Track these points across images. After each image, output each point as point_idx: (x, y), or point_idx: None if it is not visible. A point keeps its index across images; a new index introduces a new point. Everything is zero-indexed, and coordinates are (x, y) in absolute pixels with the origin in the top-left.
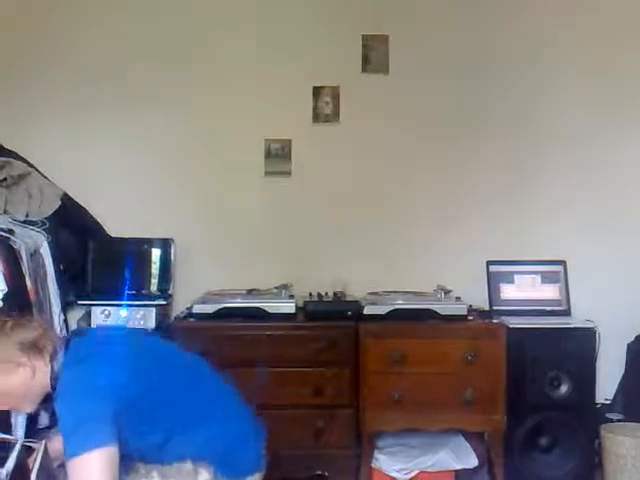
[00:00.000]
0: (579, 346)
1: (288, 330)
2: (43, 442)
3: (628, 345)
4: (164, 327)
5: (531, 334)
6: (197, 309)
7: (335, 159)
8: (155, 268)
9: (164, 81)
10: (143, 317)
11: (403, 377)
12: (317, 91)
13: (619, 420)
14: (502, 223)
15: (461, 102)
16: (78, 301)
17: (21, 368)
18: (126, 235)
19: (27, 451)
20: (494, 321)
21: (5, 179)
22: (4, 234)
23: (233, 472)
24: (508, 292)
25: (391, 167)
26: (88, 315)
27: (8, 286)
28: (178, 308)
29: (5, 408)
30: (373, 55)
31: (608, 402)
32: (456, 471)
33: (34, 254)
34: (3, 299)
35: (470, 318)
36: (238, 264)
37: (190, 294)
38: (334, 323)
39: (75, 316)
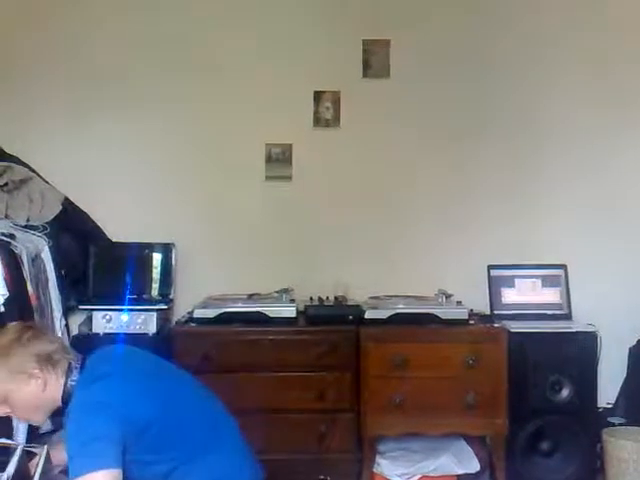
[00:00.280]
0: (580, 350)
1: (289, 334)
2: (45, 447)
3: (630, 349)
4: (165, 332)
5: (532, 338)
6: (198, 314)
7: (336, 164)
8: (156, 273)
9: (165, 86)
10: (144, 322)
11: (404, 381)
12: (318, 96)
13: (621, 424)
14: (503, 227)
15: (462, 106)
16: (79, 306)
17: (33, 380)
18: (127, 240)
19: (29, 456)
20: (495, 325)
21: (6, 184)
22: (5, 239)
23: None
24: (509, 296)
25: (392, 171)
26: (89, 320)
27: (9, 291)
28: (179, 313)
29: (15, 417)
30: (374, 60)
31: (610, 406)
32: (458, 476)
33: (35, 259)
34: (4, 304)
35: (471, 322)
36: (239, 268)
37: (191, 299)
38: (335, 327)
39: (76, 321)
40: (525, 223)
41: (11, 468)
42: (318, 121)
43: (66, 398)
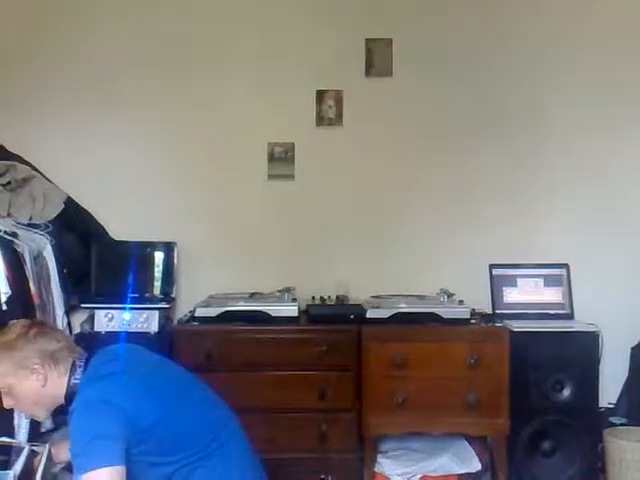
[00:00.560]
0: (582, 350)
1: (291, 333)
2: (47, 446)
3: (632, 349)
4: (167, 331)
5: (534, 338)
6: (200, 312)
7: (338, 162)
8: (158, 271)
9: (167, 85)
10: (146, 320)
11: (406, 381)
12: (320, 95)
13: (622, 424)
14: (505, 226)
15: (464, 106)
16: (81, 304)
17: (34, 375)
18: (129, 238)
19: (31, 454)
20: (497, 325)
21: (9, 182)
22: (8, 237)
23: None
24: (511, 295)
25: (394, 170)
26: (91, 318)
27: (12, 289)
28: (181, 311)
29: (18, 410)
30: (376, 59)
31: (611, 406)
32: (459, 475)
33: (37, 257)
34: (7, 302)
35: (473, 322)
36: (241, 267)
37: (193, 297)
38: (337, 327)
39: (78, 319)
40: (527, 222)
41: (18, 467)
42: (321, 120)
43: (69, 396)
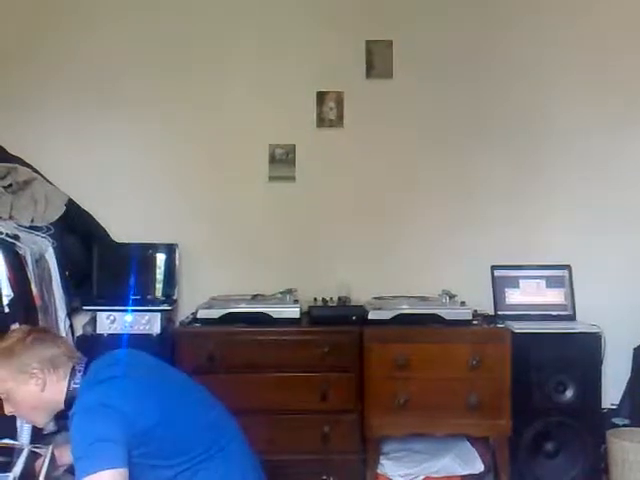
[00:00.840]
0: (584, 351)
1: (293, 335)
2: (50, 448)
3: (634, 349)
4: (169, 332)
5: (536, 339)
6: (202, 314)
7: (339, 164)
8: (160, 273)
9: (168, 86)
10: (148, 322)
11: (408, 382)
12: (321, 96)
13: (625, 425)
14: (507, 227)
15: (464, 107)
16: (83, 306)
17: (33, 380)
18: (131, 240)
19: (34, 456)
20: (499, 326)
21: (10, 185)
22: (9, 240)
23: None
24: (513, 297)
25: (395, 171)
26: (93, 320)
27: (14, 291)
28: (183, 313)
29: (18, 416)
30: (377, 60)
31: (614, 407)
32: (462, 476)
33: (39, 260)
34: (9, 305)
35: (475, 323)
36: (243, 269)
37: (195, 299)
38: (339, 328)
39: (80, 321)
40: (529, 223)
41: (18, 469)
42: (321, 122)
43: (69, 401)
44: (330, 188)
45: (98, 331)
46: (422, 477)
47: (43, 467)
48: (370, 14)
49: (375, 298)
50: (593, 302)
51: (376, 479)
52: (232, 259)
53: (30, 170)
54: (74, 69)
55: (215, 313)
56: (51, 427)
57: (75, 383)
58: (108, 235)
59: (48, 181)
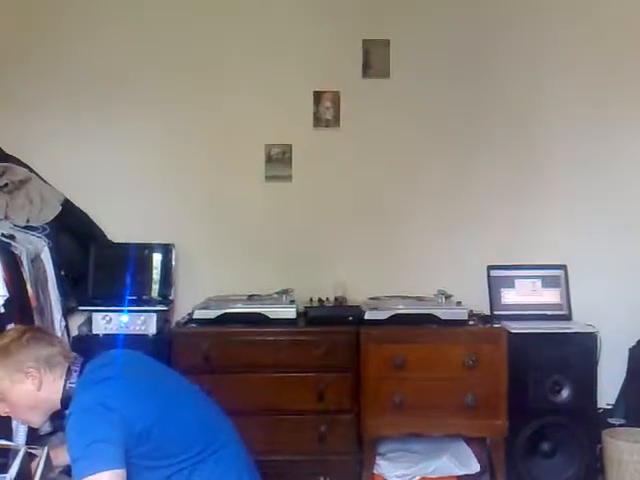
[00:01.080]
0: (580, 351)
1: (289, 335)
2: (45, 449)
3: (629, 350)
4: (165, 333)
5: (532, 339)
6: (198, 315)
7: (336, 164)
8: (156, 273)
9: (164, 86)
10: (144, 323)
11: (404, 382)
12: (318, 96)
13: (621, 425)
14: (503, 227)
15: (461, 106)
16: (79, 307)
17: (29, 379)
18: (127, 240)
19: (29, 457)
20: (495, 326)
21: (6, 185)
22: (5, 240)
23: None
24: (509, 297)
25: (392, 171)
26: (89, 321)
27: (9, 292)
28: (179, 314)
29: (14, 417)
30: (374, 60)
31: (610, 407)
32: (458, 477)
33: (35, 260)
34: (4, 305)
35: (471, 323)
36: (239, 269)
37: (191, 299)
38: (335, 328)
39: (76, 322)
40: (525, 223)
41: (14, 470)
42: (318, 121)
43: (65, 401)
44: (326, 188)
45: (94, 331)
46: (418, 477)
47: (38, 468)
48: (367, 13)
49: (371, 298)
50: (589, 302)
51: (372, 479)
52: (228, 259)
53: (26, 170)
54: (73, 69)
55: (211, 313)
56: (47, 428)
57: (71, 383)
58: (104, 235)
59: (44, 180)
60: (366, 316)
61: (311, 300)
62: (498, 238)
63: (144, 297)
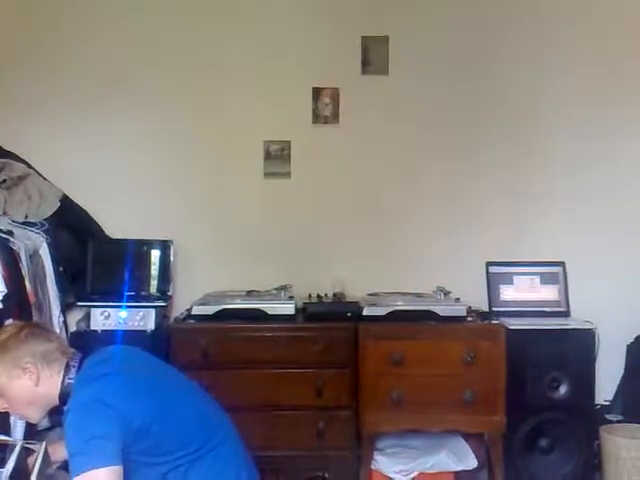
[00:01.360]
0: (578, 347)
1: (288, 331)
2: (43, 444)
3: (627, 346)
4: (163, 329)
5: (530, 335)
6: (197, 310)
7: (335, 160)
8: (154, 269)
9: (163, 82)
10: (143, 318)
11: (403, 378)
12: (317, 92)
13: (619, 421)
14: (502, 224)
15: (460, 103)
16: (77, 302)
17: (27, 375)
18: (125, 236)
19: (27, 453)
20: (493, 322)
21: (4, 180)
22: (3, 235)
23: None
24: (507, 293)
25: (390, 168)
26: (87, 316)
27: (7, 288)
28: (178, 309)
29: (12, 412)
30: (373, 56)
31: (607, 403)
32: (456, 472)
33: (33, 255)
34: (2, 301)
35: (469, 319)
36: (238, 265)
37: (189, 295)
38: (334, 324)
39: (74, 317)
40: (524, 220)
41: (10, 465)
42: (317, 118)
43: (63, 396)
44: (325, 184)
45: (92, 327)
46: (416, 473)
47: (36, 463)
48: (366, 10)
49: (370, 294)
50: (587, 299)
51: (370, 475)
52: (227, 255)
53: (24, 166)
54: (73, 68)
55: (210, 309)
56: (45, 423)
57: (69, 378)
58: (102, 231)
59: (43, 177)
60: (365, 312)
61: (310, 296)
62: (497, 235)
63: (142, 293)
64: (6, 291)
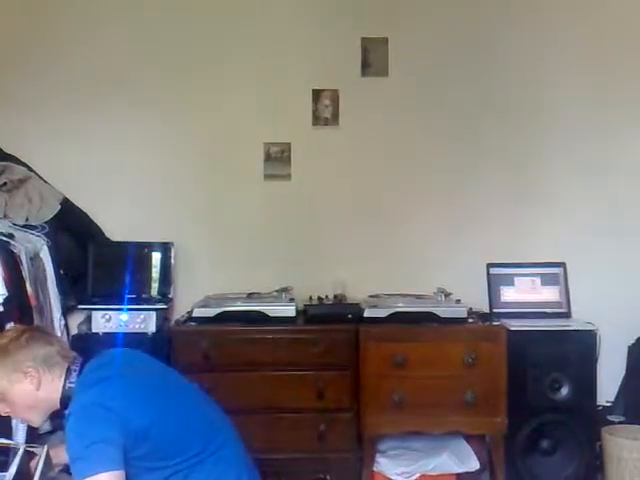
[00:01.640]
0: (580, 348)
1: (288, 333)
2: (45, 447)
3: (629, 347)
4: (164, 331)
5: (531, 336)
6: (197, 313)
7: (335, 162)
8: (155, 272)
9: (164, 84)
10: (144, 321)
11: (404, 380)
12: (317, 94)
13: (620, 422)
14: (502, 225)
15: (460, 106)
16: (78, 305)
17: (28, 379)
18: (126, 239)
19: (29, 456)
20: (494, 324)
21: (5, 183)
22: (4, 238)
23: None
24: (508, 294)
25: (391, 170)
26: (88, 319)
27: (8, 291)
28: (179, 312)
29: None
30: (372, 58)
31: (609, 404)
32: (458, 474)
33: (34, 258)
34: (3, 304)
35: (470, 321)
36: (238, 267)
37: (190, 298)
38: (334, 326)
39: (75, 320)
40: (524, 221)
41: (13, 469)
42: (317, 120)
43: (64, 400)
44: (326, 186)
45: (93, 330)
46: (418, 475)
47: (38, 467)
48: (366, 11)
49: (371, 296)
50: (588, 300)
51: (373, 477)
52: (228, 257)
53: (25, 169)
54: (73, 68)
55: (210, 312)
56: (47, 427)
57: (70, 382)
58: (103, 233)
59: (43, 180)
60: (365, 314)
61: (310, 298)
62: (497, 236)
63: (143, 295)
64: (7, 294)
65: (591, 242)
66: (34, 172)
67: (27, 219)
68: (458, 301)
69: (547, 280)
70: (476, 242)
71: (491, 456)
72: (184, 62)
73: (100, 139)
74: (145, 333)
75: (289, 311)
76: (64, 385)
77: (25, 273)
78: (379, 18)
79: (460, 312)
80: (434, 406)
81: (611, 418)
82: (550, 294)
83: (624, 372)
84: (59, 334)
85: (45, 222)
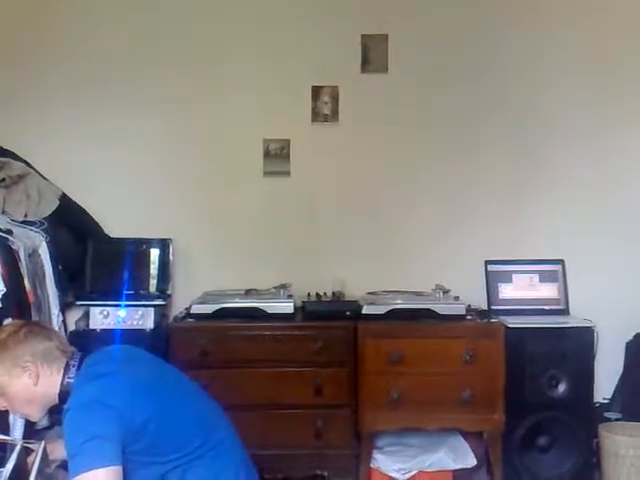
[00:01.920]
0: (577, 345)
1: (287, 330)
2: (42, 443)
3: (626, 344)
4: (162, 327)
5: (529, 333)
6: (196, 309)
7: (334, 159)
8: (154, 268)
9: (163, 81)
10: (142, 317)
11: (402, 377)
12: (316, 91)
13: (617, 419)
14: (500, 222)
15: (460, 102)
16: (77, 301)
17: (26, 373)
18: (125, 235)
19: (26, 452)
20: (492, 320)
21: (3, 179)
22: (2, 234)
23: None
24: (506, 291)
25: (390, 167)
26: (86, 315)
27: (6, 287)
28: (177, 308)
29: (12, 411)
30: (372, 55)
31: (606, 401)
32: (455, 471)
33: (32, 254)
34: (1, 300)
35: (468, 318)
36: (237, 264)
37: (189, 294)
38: (333, 323)
39: (74, 316)
40: (522, 218)
41: (10, 465)
42: (316, 116)
43: (63, 395)
44: (325, 183)
45: (91, 326)
46: (415, 471)
47: (35, 463)
48: (366, 8)
49: (369, 293)
50: (586, 297)
51: (370, 473)
52: (226, 254)
53: (23, 165)
54: (72, 66)
55: (209, 308)
56: (44, 422)
57: (69, 377)
58: (102, 230)
59: (42, 176)
60: (364, 311)
61: (309, 295)
62: (496, 233)
63: (142, 292)
64: (5, 290)
65: (589, 239)
66: (33, 168)
67: (26, 215)
68: (456, 298)
69: (545, 277)
70: (474, 239)
71: (488, 453)
72: (184, 61)
73: (100, 136)
74: (143, 329)
75: (287, 308)
76: (63, 380)
77: (23, 269)
78: (379, 15)
79: (458, 309)
80: (432, 403)
81: (608, 415)
82: (548, 291)
83: (622, 369)
84: (57, 330)
85: (44, 218)
